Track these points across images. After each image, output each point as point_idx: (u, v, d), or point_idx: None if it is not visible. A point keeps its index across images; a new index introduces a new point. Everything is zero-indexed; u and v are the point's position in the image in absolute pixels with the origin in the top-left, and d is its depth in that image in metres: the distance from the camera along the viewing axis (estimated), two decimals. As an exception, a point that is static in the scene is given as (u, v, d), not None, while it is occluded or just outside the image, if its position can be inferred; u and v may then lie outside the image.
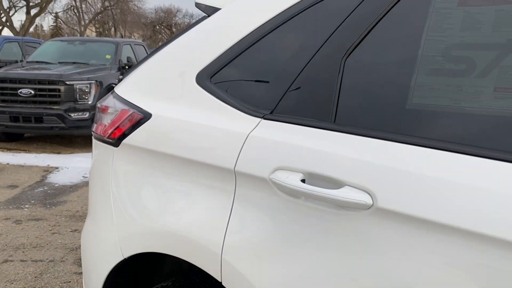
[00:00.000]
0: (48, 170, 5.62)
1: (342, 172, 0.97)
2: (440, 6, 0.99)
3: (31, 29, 45.13)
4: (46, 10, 35.25)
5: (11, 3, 33.58)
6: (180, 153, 1.28)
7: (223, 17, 1.39)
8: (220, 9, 1.45)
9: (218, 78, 1.30)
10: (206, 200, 1.22)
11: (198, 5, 1.62)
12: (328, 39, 1.11)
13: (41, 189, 4.83)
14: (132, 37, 44.88)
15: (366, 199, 0.92)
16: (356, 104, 1.05)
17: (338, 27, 1.10)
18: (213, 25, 1.40)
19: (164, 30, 51.04)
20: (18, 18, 34.23)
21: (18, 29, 31.21)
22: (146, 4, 43.90)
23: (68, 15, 42.30)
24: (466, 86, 0.91)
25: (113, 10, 39.65)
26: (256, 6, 1.30)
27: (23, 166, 5.81)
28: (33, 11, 32.14)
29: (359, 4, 1.07)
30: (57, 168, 5.72)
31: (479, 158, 0.85)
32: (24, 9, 32.39)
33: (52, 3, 35.67)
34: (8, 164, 5.89)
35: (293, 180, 1.02)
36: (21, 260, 3.12)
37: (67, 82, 6.54)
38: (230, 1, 1.46)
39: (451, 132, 0.91)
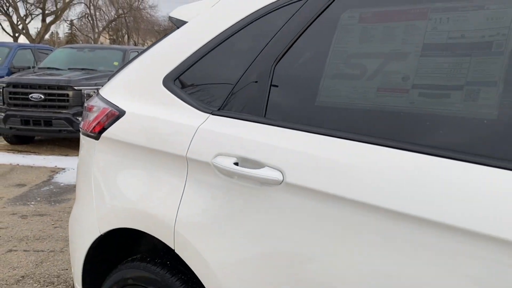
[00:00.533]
0: (55, 170, 5.91)
1: (264, 155, 1.20)
2: (345, 23, 1.22)
3: (47, 36, 46.11)
4: (61, 18, 36.01)
5: (27, 11, 34.43)
6: (146, 144, 1.52)
7: (187, 30, 1.64)
8: (187, 22, 1.71)
9: (180, 81, 1.55)
10: (165, 183, 1.46)
11: (170, 18, 1.87)
12: (262, 49, 1.35)
13: (47, 188, 5.12)
14: (145, 44, 45.50)
15: (278, 176, 1.15)
16: (280, 102, 1.28)
17: (270, 40, 1.34)
18: (179, 36, 1.65)
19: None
20: (35, 26, 34.95)
21: (33, 36, 31.96)
22: (158, 12, 44.55)
23: (82, 23, 43.11)
24: (359, 87, 1.14)
25: (126, 18, 40.35)
26: (210, 23, 1.54)
27: (32, 166, 6.11)
28: (48, 19, 32.89)
29: (285, 24, 1.31)
30: (63, 169, 6.01)
31: (364, 144, 1.07)
32: (40, 17, 33.19)
33: (67, 11, 36.46)
34: (18, 164, 6.20)
35: (228, 163, 1.25)
36: (24, 250, 3.38)
37: (76, 88, 6.85)
38: (196, 15, 1.71)
39: (347, 123, 1.14)
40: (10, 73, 8.50)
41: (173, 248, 1.40)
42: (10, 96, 6.95)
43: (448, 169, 0.95)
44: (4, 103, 6.98)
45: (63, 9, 33.74)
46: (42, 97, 6.84)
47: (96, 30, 41.14)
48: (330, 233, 1.08)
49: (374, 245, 1.01)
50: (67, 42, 45.93)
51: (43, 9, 32.51)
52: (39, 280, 2.92)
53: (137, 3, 41.46)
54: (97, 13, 41.43)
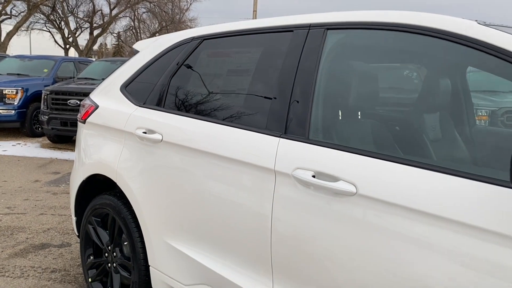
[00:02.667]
0: (85, 163, 7.17)
1: (162, 129, 2.25)
2: (201, 58, 2.26)
3: (96, 48, 49.03)
4: (108, 31, 38.36)
5: (77, 25, 37.02)
6: (105, 123, 2.61)
7: (137, 56, 2.73)
8: (139, 51, 2.79)
9: (128, 87, 2.63)
10: (113, 147, 2.53)
11: (133, 49, 2.96)
12: (166, 69, 2.41)
13: (76, 175, 6.35)
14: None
15: (157, 137, 2.21)
16: (173, 99, 2.33)
17: (170, 65, 2.40)
18: (133, 60, 2.74)
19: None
20: (85, 38, 37.33)
21: (82, 48, 34.37)
22: (198, 24, 46.23)
23: (127, 35, 45.51)
24: (213, 101, 2.18)
25: (168, 30, 42.36)
26: (147, 53, 2.62)
27: (67, 160, 7.39)
28: (95, 32, 35.24)
29: (176, 57, 2.38)
30: (92, 161, 7.25)
31: (204, 122, 2.11)
32: (89, 29, 35.61)
33: (113, 24, 38.82)
34: (56, 158, 7.50)
35: (140, 132, 2.32)
36: (52, 214, 4.56)
37: (105, 95, 8.12)
38: (145, 48, 2.79)
39: (195, 111, 2.18)
40: (55, 82, 9.92)
41: (115, 180, 2.47)
42: (53, 101, 8.31)
43: (229, 131, 1.97)
44: (47, 108, 8.35)
45: (109, 23, 36.04)
46: (78, 102, 8.15)
47: (140, 42, 43.39)
48: (195, 174, 2.13)
49: (222, 180, 2.05)
50: (114, 53, 48.63)
51: (91, 23, 34.88)
52: (59, 231, 4.07)
53: (178, 16, 43.52)
54: (141, 26, 43.75)
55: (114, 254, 2.58)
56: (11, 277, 3.12)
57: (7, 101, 8.99)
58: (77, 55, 34.71)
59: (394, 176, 1.41)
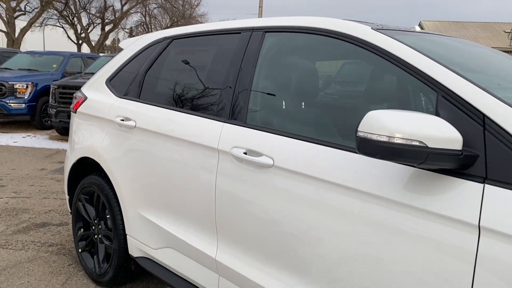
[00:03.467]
0: (89, 153, 7.60)
1: (136, 117, 2.62)
2: (171, 55, 2.63)
3: (109, 43, 49.75)
4: (119, 26, 38.93)
5: (90, 20, 37.66)
6: (91, 112, 2.99)
7: (121, 53, 3.10)
8: (123, 49, 3.17)
9: (112, 81, 3.00)
10: (98, 133, 2.91)
11: (119, 47, 3.34)
12: (143, 65, 2.78)
13: (80, 164, 6.77)
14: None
15: (132, 123, 2.57)
16: (146, 90, 2.70)
17: (145, 61, 2.77)
18: (117, 57, 3.11)
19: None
20: (97, 33, 37.86)
21: (94, 44, 35.00)
22: (208, 20, 46.57)
23: (138, 30, 46.05)
24: (170, 85, 2.54)
25: (179, 25, 42.78)
26: (129, 50, 2.99)
27: (73, 150, 7.83)
28: (107, 28, 35.82)
29: (151, 54, 2.74)
30: (96, 152, 7.69)
31: (171, 111, 2.47)
32: (100, 25, 36.21)
33: (124, 19, 39.38)
34: (62, 149, 7.94)
35: (118, 120, 2.69)
36: (54, 198, 4.97)
37: (109, 89, 8.56)
38: (129, 45, 3.16)
39: (164, 101, 2.54)
40: (63, 77, 10.38)
41: (99, 162, 2.85)
42: (60, 95, 8.75)
43: (187, 118, 2.33)
44: (55, 101, 8.79)
45: (120, 18, 36.61)
46: None
47: (151, 37, 43.96)
48: (160, 154, 2.50)
49: (180, 159, 2.41)
50: (126, 49, 49.10)
51: (103, 18, 35.45)
52: (59, 212, 4.48)
53: (188, 12, 43.96)
54: (152, 21, 44.26)
55: (100, 226, 2.97)
56: (13, 249, 3.53)
57: (18, 95, 9.46)
58: (89, 51, 35.37)
59: (299, 151, 1.76)
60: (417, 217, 1.41)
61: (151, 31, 44.78)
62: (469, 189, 1.33)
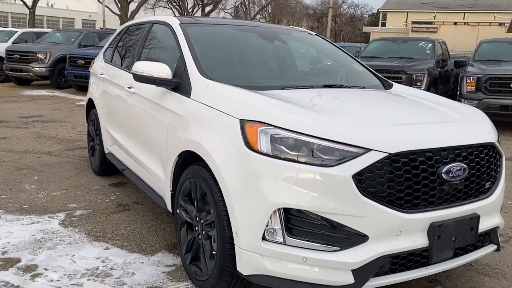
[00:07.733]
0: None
1: (106, 72, 4.60)
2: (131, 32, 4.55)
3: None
4: (219, 7, 41.87)
5: (195, 2, 41.07)
6: (94, 72, 5.04)
7: (114, 33, 5.10)
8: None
9: (105, 52, 5.02)
10: (95, 83, 4.95)
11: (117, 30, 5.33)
12: (115, 42, 4.73)
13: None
14: (302, 27, 49.19)
15: (103, 76, 4.56)
16: (114, 57, 4.66)
17: (116, 40, 4.72)
18: (112, 35, 5.11)
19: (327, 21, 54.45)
20: (198, 15, 41.11)
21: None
22: (302, 1, 47.62)
23: (239, 9, 48.72)
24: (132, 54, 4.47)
25: (272, 6, 44.52)
26: (116, 32, 4.98)
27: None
28: (207, 9, 38.88)
29: (118, 36, 4.69)
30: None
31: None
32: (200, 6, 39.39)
33: (224, 0, 42.20)
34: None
35: (99, 74, 4.69)
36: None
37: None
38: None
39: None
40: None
41: (92, 99, 4.89)
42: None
43: (119, 71, 4.24)
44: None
45: (219, 0, 39.42)
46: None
47: (249, 17, 46.45)
48: (113, 95, 4.47)
49: (119, 96, 4.37)
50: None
51: (203, 0, 38.52)
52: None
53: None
54: (250, 2, 46.63)
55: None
56: (60, 156, 5.78)
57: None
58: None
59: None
60: (162, 109, 3.19)
61: (249, 12, 47.25)
62: (176, 96, 3.07)
